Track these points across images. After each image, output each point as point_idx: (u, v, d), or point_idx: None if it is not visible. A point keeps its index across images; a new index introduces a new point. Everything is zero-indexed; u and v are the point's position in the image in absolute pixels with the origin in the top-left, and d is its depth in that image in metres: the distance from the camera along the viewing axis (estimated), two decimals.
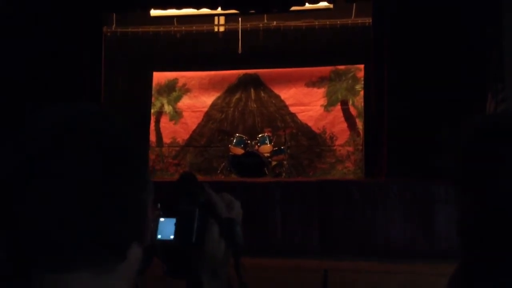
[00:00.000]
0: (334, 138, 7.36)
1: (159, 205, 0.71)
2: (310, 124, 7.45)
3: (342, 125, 7.37)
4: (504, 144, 0.72)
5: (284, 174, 6.77)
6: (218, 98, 7.73)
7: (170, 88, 7.83)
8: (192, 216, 0.82)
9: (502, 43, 5.25)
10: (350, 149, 7.29)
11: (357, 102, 7.34)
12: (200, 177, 4.65)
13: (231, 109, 7.70)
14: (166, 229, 0.82)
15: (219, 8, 6.64)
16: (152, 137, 7.66)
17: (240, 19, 7.48)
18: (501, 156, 0.71)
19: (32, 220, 0.60)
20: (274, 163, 6.95)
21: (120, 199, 0.63)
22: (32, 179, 0.60)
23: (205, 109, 7.72)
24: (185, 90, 7.80)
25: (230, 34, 7.71)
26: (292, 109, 7.54)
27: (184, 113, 7.76)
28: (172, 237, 0.82)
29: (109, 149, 0.63)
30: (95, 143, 0.62)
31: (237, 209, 0.86)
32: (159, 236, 0.82)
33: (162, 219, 0.82)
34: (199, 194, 0.84)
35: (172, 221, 0.82)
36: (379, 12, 6.09)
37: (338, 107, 7.42)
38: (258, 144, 6.84)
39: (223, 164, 7.00)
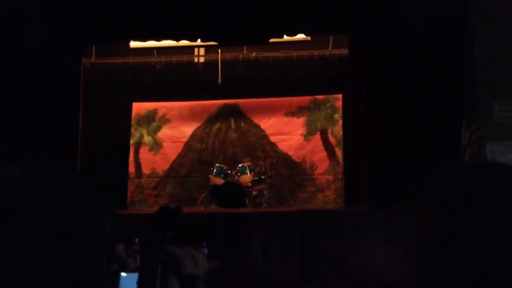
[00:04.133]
0: (314, 167, 7.40)
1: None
2: (290, 153, 7.48)
3: (321, 154, 7.42)
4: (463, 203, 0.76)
5: (264, 204, 6.74)
6: (198, 128, 7.73)
7: (149, 118, 7.81)
8: (155, 273, 0.83)
9: (474, 75, 5.40)
10: (330, 177, 7.33)
11: (336, 131, 7.42)
12: None
13: (211, 139, 7.70)
14: (129, 284, 0.83)
15: (199, 40, 6.71)
16: (131, 168, 7.58)
17: (220, 50, 7.57)
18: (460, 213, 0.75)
19: None
20: (254, 193, 6.93)
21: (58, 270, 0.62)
22: None
23: (185, 140, 7.71)
24: (165, 120, 7.79)
25: (210, 64, 7.78)
26: (272, 138, 7.58)
27: (164, 144, 7.73)
28: None
29: (47, 224, 0.62)
30: (34, 217, 0.62)
31: (201, 263, 0.87)
32: None
33: (124, 274, 0.82)
34: (162, 251, 0.85)
35: (135, 276, 0.83)
36: (355, 44, 6.24)
37: (318, 136, 7.49)
38: (239, 174, 6.83)
39: (203, 194, 6.95)
